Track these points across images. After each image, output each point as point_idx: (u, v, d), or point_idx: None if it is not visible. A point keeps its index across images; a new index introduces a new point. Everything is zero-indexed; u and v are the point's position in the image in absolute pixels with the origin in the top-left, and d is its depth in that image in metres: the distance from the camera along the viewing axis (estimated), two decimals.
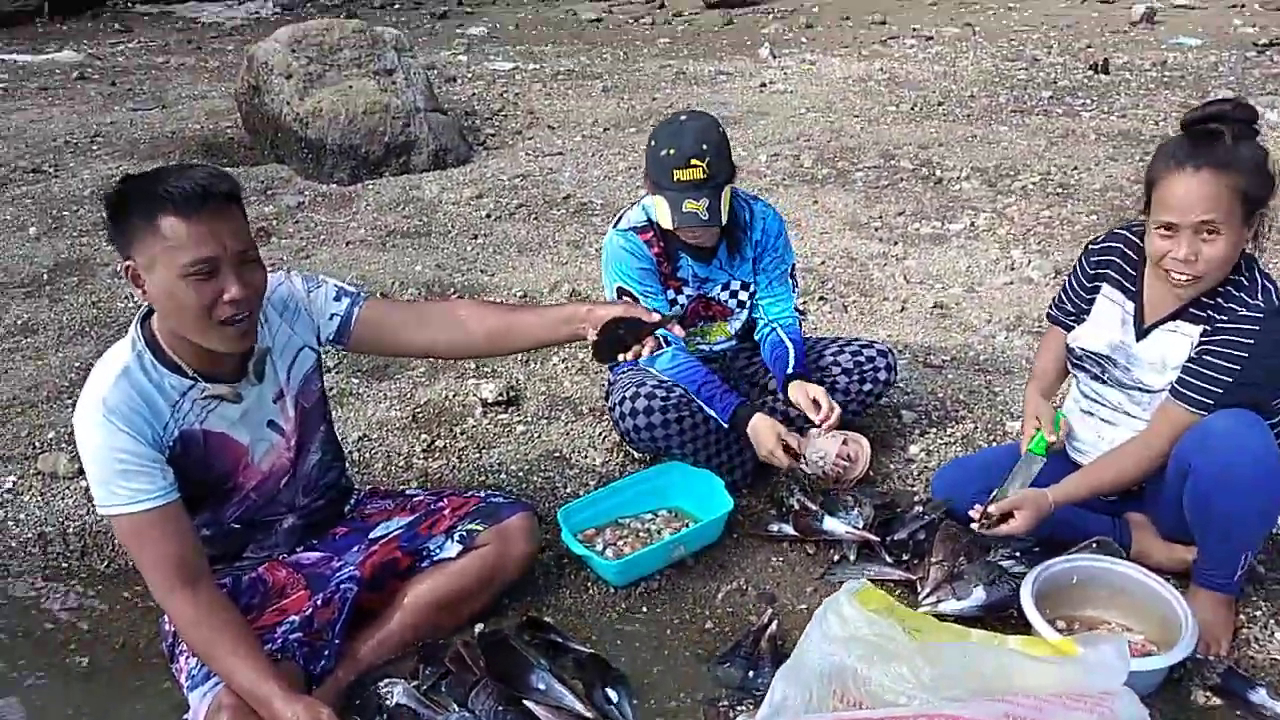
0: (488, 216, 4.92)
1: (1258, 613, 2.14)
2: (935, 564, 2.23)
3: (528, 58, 8.67)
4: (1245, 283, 1.94)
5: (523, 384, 3.28)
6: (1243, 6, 9.51)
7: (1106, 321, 2.15)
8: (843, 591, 1.84)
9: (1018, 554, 2.20)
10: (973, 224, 4.45)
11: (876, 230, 4.47)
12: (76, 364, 3.46)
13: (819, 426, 2.49)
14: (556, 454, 2.89)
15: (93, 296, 4.06)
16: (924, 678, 1.67)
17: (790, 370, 2.62)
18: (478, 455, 2.90)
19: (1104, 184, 4.83)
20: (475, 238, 4.66)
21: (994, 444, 2.80)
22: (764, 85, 7.27)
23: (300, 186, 5.43)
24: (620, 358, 1.98)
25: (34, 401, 3.24)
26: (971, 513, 2.13)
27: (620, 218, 2.66)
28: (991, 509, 2.11)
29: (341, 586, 2.09)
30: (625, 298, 2.48)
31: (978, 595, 2.13)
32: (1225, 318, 1.93)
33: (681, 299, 2.67)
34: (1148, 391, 2.08)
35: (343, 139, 5.54)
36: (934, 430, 2.89)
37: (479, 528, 2.19)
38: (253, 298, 1.84)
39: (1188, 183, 1.86)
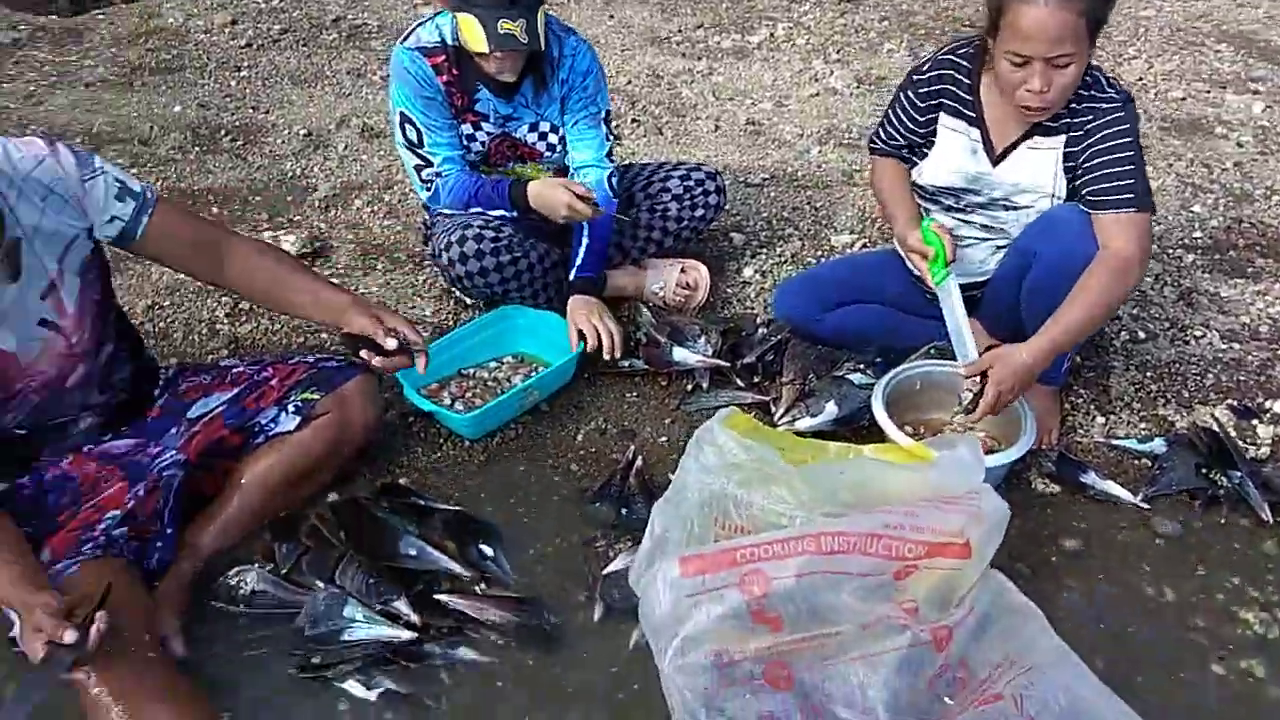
0: (248, 46, 4.36)
1: (1079, 400, 2.33)
2: (786, 384, 2.27)
3: None
4: (1089, 81, 1.97)
5: (326, 233, 3.00)
6: None
7: (953, 152, 2.12)
8: (715, 420, 1.82)
9: (863, 366, 2.27)
10: (772, 35, 4.38)
11: (679, 45, 4.32)
12: None
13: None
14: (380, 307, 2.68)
15: None
16: (803, 497, 1.70)
17: (573, 274, 2.43)
18: (289, 315, 2.64)
19: None
20: (238, 70, 4.13)
21: (822, 259, 2.85)
22: None
23: (13, 20, 4.58)
24: (361, 354, 1.89)
25: None
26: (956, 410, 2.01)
27: (409, 33, 2.37)
28: (963, 371, 1.96)
29: (164, 473, 1.89)
30: (384, 317, 1.93)
31: (830, 410, 2.19)
32: (1090, 119, 1.96)
33: (481, 135, 2.44)
34: (1014, 209, 2.09)
35: None
36: (764, 251, 2.89)
37: (314, 395, 2.00)
38: None
39: (1040, 13, 1.80)
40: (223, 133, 3.61)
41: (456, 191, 2.41)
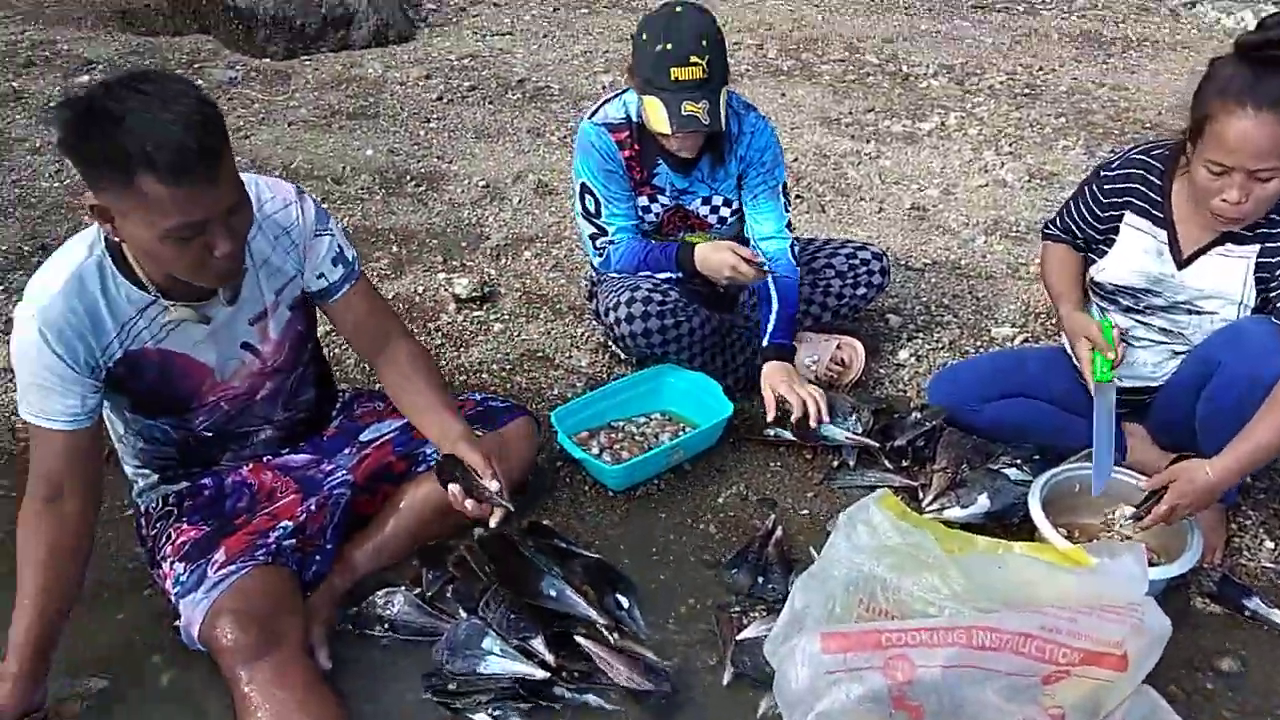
0: (439, 99, 4.66)
1: (1248, 521, 2.20)
2: (938, 471, 2.24)
3: None
4: None
5: (495, 280, 3.15)
6: None
7: (1136, 252, 2.06)
8: (870, 500, 1.81)
9: (1019, 462, 2.22)
10: (943, 123, 4.38)
11: (848, 127, 4.37)
12: (2, 247, 3.18)
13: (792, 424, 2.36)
14: (539, 354, 2.79)
15: (12, 175, 3.74)
16: (955, 588, 1.67)
17: (766, 339, 2.45)
18: (455, 354, 2.78)
19: (1070, 86, 4.80)
20: (428, 121, 4.41)
21: (980, 350, 2.80)
22: None
23: (230, 60, 5.05)
24: (449, 487, 1.83)
25: None
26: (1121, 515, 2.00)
27: (596, 109, 2.48)
28: (1142, 484, 1.95)
29: (334, 492, 2.00)
30: (494, 460, 1.87)
31: (982, 502, 2.14)
32: None
33: (656, 207, 2.52)
34: (1197, 314, 2.02)
35: (276, 8, 5.15)
36: (921, 335, 2.87)
37: (478, 432, 2.09)
38: (242, 241, 1.66)
39: (1246, 126, 1.73)
40: (408, 178, 3.85)
41: (627, 257, 2.50)
